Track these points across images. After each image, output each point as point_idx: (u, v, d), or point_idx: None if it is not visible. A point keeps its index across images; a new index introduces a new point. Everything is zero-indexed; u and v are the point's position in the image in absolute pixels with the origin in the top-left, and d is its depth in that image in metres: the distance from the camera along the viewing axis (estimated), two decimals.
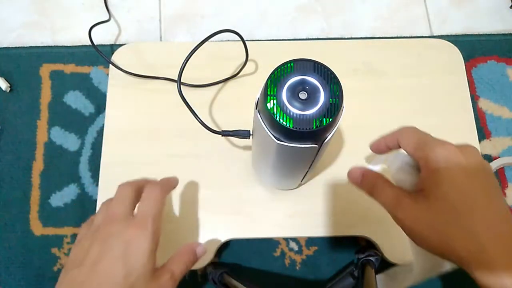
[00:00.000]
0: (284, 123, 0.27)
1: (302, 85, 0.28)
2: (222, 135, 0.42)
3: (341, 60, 0.53)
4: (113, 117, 0.51)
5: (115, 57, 0.54)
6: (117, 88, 0.52)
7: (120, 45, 0.55)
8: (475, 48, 0.58)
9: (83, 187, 0.51)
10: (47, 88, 0.55)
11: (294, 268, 0.49)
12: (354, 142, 0.50)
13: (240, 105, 0.50)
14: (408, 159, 0.29)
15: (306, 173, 0.39)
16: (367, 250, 0.47)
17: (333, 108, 0.27)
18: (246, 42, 0.46)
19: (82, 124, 0.54)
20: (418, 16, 0.61)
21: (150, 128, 0.50)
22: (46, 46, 0.58)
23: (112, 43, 0.58)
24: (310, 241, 0.50)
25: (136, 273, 0.30)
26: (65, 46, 0.58)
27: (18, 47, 0.57)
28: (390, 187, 0.29)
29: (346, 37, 0.60)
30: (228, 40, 0.54)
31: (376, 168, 0.31)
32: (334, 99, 0.28)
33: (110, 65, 0.52)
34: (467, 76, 0.55)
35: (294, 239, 0.50)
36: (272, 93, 0.28)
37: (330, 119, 0.27)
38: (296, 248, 0.50)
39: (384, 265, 0.45)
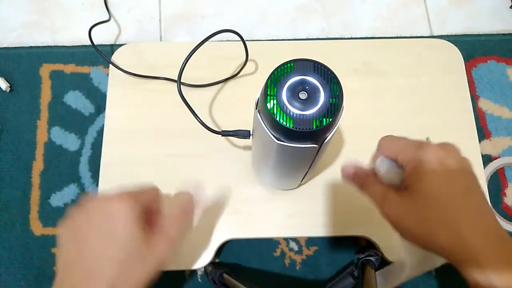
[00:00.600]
0: (284, 123, 0.27)
1: (302, 85, 0.28)
2: (222, 135, 0.42)
3: (341, 60, 0.53)
4: (113, 117, 0.51)
5: (115, 57, 0.54)
6: (117, 88, 0.52)
7: (120, 45, 0.55)
8: (475, 48, 0.58)
9: (83, 187, 0.51)
10: (47, 88, 0.55)
11: (294, 268, 0.49)
12: (354, 142, 0.50)
13: (240, 105, 0.50)
14: (393, 162, 0.31)
15: (306, 173, 0.39)
16: (367, 250, 0.47)
17: (333, 108, 0.27)
18: (246, 42, 0.46)
19: (82, 124, 0.54)
20: (418, 16, 0.61)
21: (150, 128, 0.50)
22: (46, 46, 0.58)
23: (112, 43, 0.58)
24: (310, 241, 0.50)
25: (125, 243, 0.29)
26: (65, 46, 0.58)
27: (18, 47, 0.57)
28: (379, 184, 0.31)
29: (346, 37, 0.60)
30: (228, 40, 0.54)
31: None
32: (334, 99, 0.28)
33: (110, 65, 0.52)
34: (467, 76, 0.55)
35: (294, 239, 0.50)
36: (272, 93, 0.28)
37: (330, 119, 0.27)
38: (296, 248, 0.50)
39: (384, 265, 0.45)
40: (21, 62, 0.56)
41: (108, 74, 0.54)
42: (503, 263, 0.26)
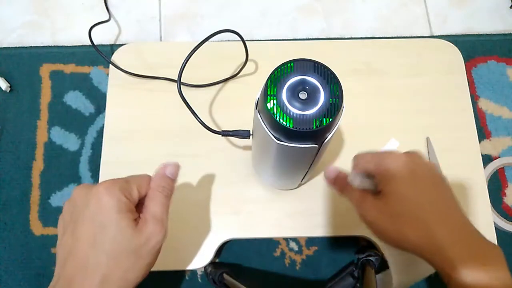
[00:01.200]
0: (284, 123, 0.27)
1: (302, 85, 0.28)
2: (222, 135, 0.42)
3: (341, 60, 0.53)
4: (113, 117, 0.51)
5: (115, 57, 0.54)
6: (117, 88, 0.52)
7: (120, 45, 0.55)
8: (475, 48, 0.58)
9: None
10: (47, 88, 0.55)
11: (294, 268, 0.49)
12: (354, 142, 0.50)
13: (240, 105, 0.49)
14: (364, 175, 0.34)
15: (306, 173, 0.39)
16: (367, 250, 0.47)
17: (333, 108, 0.27)
18: (246, 42, 0.46)
19: (82, 124, 0.54)
20: (418, 16, 0.61)
21: (150, 128, 0.50)
22: (46, 46, 0.58)
23: (112, 43, 0.58)
24: (310, 241, 0.50)
25: (116, 236, 0.29)
26: (65, 46, 0.58)
27: (18, 47, 0.57)
28: (358, 188, 0.34)
29: (346, 37, 0.60)
30: (228, 40, 0.54)
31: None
32: (334, 99, 0.28)
33: (110, 65, 0.52)
34: (467, 76, 0.55)
35: (294, 239, 0.50)
36: (272, 93, 0.28)
37: (330, 119, 0.27)
38: (296, 248, 0.50)
39: (384, 265, 0.45)
40: (21, 62, 0.56)
41: (108, 74, 0.54)
42: (470, 256, 0.27)
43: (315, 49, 0.55)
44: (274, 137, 0.29)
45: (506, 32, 0.60)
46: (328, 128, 0.28)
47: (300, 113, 0.27)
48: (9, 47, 0.57)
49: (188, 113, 0.42)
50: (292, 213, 0.47)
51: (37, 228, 0.50)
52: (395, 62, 0.54)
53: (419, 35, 0.60)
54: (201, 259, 0.45)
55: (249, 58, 0.49)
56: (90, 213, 0.30)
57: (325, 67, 0.28)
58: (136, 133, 0.50)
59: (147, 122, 0.51)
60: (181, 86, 0.40)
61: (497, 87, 0.57)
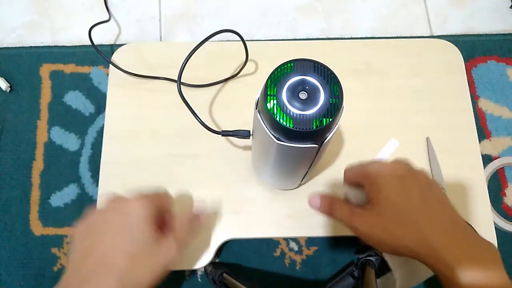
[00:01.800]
0: (284, 123, 0.27)
1: (302, 85, 0.28)
2: (222, 135, 0.42)
3: (341, 60, 0.53)
4: (113, 117, 0.51)
5: (115, 57, 0.54)
6: (117, 88, 0.52)
7: (120, 45, 0.55)
8: (475, 48, 0.58)
9: (83, 187, 0.51)
10: (47, 88, 0.55)
11: (294, 268, 0.49)
12: (354, 142, 0.50)
13: (240, 105, 0.50)
14: (357, 186, 0.34)
15: (306, 173, 0.39)
16: (367, 250, 0.46)
17: (333, 108, 0.27)
18: (246, 42, 0.46)
19: (82, 124, 0.54)
20: (418, 16, 0.61)
21: (150, 128, 0.50)
22: (46, 46, 0.58)
23: (112, 43, 0.58)
24: (310, 241, 0.50)
25: (137, 239, 0.31)
26: (65, 46, 0.58)
27: (18, 47, 0.57)
28: (344, 205, 0.34)
29: (346, 37, 0.60)
30: (228, 40, 0.54)
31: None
32: (334, 99, 0.28)
33: (110, 65, 0.52)
34: (467, 76, 0.55)
35: (294, 239, 0.50)
36: (272, 93, 0.28)
37: (330, 119, 0.27)
38: (296, 248, 0.50)
39: (384, 265, 0.45)
40: (21, 62, 0.56)
41: (108, 74, 0.54)
42: (466, 256, 0.28)
43: (315, 49, 0.55)
44: (274, 137, 0.29)
45: (506, 32, 0.60)
46: (328, 128, 0.28)
47: (300, 113, 0.27)
48: (9, 47, 0.57)
49: (188, 113, 0.42)
50: (292, 213, 0.47)
51: (37, 228, 0.50)
52: (395, 62, 0.54)
53: (419, 35, 0.60)
54: (201, 259, 0.45)
55: (249, 58, 0.49)
56: (117, 217, 0.32)
57: (325, 67, 0.28)
58: (136, 133, 0.50)
59: (147, 122, 0.51)
60: (181, 86, 0.40)
61: (497, 87, 0.57)
